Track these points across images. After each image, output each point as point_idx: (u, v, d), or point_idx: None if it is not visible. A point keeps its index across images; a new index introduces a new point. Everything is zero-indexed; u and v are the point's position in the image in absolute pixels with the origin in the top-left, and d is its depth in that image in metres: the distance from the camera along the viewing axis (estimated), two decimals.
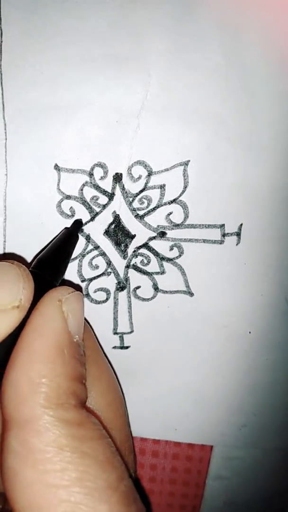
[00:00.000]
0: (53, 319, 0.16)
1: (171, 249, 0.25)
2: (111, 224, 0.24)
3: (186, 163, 0.24)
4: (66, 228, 0.23)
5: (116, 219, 0.24)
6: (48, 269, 0.20)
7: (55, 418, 0.15)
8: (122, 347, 0.25)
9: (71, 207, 0.24)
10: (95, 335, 0.22)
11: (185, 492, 0.26)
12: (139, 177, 0.24)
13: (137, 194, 0.24)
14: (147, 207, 0.24)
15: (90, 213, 0.24)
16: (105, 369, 0.21)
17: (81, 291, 0.18)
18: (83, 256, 0.24)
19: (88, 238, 0.24)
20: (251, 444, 0.25)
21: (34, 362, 0.15)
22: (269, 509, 0.25)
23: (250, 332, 0.25)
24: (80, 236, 0.24)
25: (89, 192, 0.24)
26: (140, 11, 0.21)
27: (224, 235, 0.25)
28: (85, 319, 0.22)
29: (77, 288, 0.24)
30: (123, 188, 0.24)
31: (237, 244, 0.25)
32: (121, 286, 0.25)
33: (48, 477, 0.14)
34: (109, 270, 0.25)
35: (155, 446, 0.26)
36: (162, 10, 0.22)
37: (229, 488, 0.25)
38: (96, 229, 0.24)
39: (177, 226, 0.24)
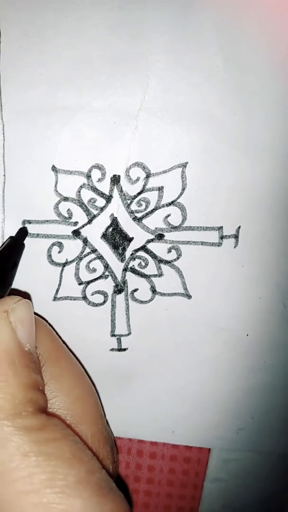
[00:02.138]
0: (1, 330, 0.17)
1: (169, 251, 0.25)
2: (108, 227, 0.24)
3: (184, 165, 0.24)
4: (11, 237, 0.23)
5: (114, 222, 0.24)
6: None
7: (14, 427, 0.15)
8: (120, 349, 0.26)
9: (68, 209, 0.24)
10: (56, 333, 0.22)
11: (183, 494, 0.27)
12: (137, 179, 0.24)
13: (135, 196, 0.24)
14: (145, 209, 0.24)
15: (87, 215, 0.24)
16: (67, 367, 0.21)
17: (30, 299, 0.19)
18: (80, 259, 0.25)
19: (85, 241, 0.24)
20: (248, 447, 0.26)
21: None
22: (267, 511, 0.26)
23: (247, 335, 0.26)
24: (77, 239, 0.24)
25: (87, 194, 0.24)
26: (139, 13, 0.22)
27: (222, 237, 0.25)
28: (46, 320, 0.23)
29: (25, 296, 0.24)
30: (121, 190, 0.24)
31: (235, 247, 0.25)
32: (119, 289, 0.25)
33: (17, 485, 0.15)
34: (106, 273, 0.25)
35: (153, 447, 0.27)
36: (161, 12, 0.22)
37: (227, 491, 0.26)
38: (93, 232, 0.24)
39: (175, 228, 0.25)
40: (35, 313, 0.20)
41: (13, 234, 0.23)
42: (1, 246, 0.23)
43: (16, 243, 0.23)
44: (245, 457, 0.26)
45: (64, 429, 0.17)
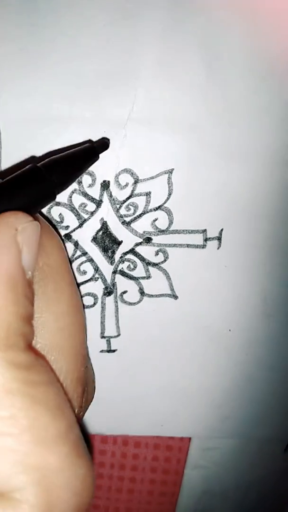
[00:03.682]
0: (7, 250, 0.15)
1: (157, 254, 0.27)
2: (99, 230, 0.26)
3: (170, 172, 0.25)
4: (91, 141, 0.22)
5: (104, 226, 0.26)
6: (56, 173, 0.19)
7: (4, 360, 0.14)
8: (109, 351, 0.27)
9: (60, 214, 0.25)
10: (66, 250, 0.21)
11: (165, 480, 0.29)
12: (126, 185, 0.25)
13: (124, 201, 0.26)
14: (133, 213, 0.26)
15: (78, 220, 0.25)
16: (66, 289, 0.18)
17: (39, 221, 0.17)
18: (71, 262, 0.26)
19: (76, 244, 0.26)
20: (234, 435, 0.28)
21: None
22: (245, 498, 0.28)
23: (230, 330, 0.28)
24: (68, 242, 0.26)
25: (78, 199, 0.25)
26: (130, 29, 0.23)
27: (206, 239, 0.27)
28: (54, 227, 0.22)
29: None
30: (110, 196, 0.25)
31: (218, 248, 0.27)
32: (108, 291, 0.27)
33: None
34: (96, 275, 0.26)
35: (138, 437, 0.29)
36: (150, 28, 0.23)
37: (207, 477, 0.28)
38: (84, 236, 0.26)
39: (162, 232, 0.26)
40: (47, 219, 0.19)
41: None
42: (78, 145, 0.22)
43: (93, 151, 0.21)
44: (224, 445, 0.28)
45: (51, 373, 0.16)
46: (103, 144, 0.23)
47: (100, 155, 0.25)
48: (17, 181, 0.18)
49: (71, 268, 0.20)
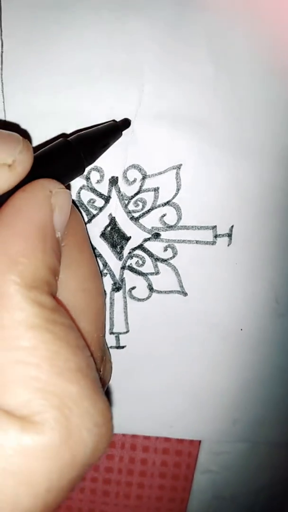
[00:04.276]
0: (41, 205, 0.16)
1: (165, 250, 0.27)
2: (107, 226, 0.26)
3: (178, 167, 0.26)
4: (114, 120, 0.24)
5: (112, 222, 0.26)
6: (84, 148, 0.21)
7: (28, 297, 0.15)
8: (118, 347, 0.27)
9: None
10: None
11: (174, 486, 0.28)
12: (134, 180, 0.26)
13: (132, 196, 0.26)
14: (141, 209, 0.26)
15: (87, 215, 0.26)
16: (87, 256, 0.20)
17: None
18: None
19: None
20: (244, 438, 0.27)
21: (15, 239, 0.15)
22: (255, 502, 0.27)
23: (241, 330, 0.27)
24: None
25: (86, 195, 0.26)
26: (135, 24, 0.24)
27: (216, 236, 0.27)
28: (74, 203, 0.23)
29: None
30: (118, 191, 0.26)
31: (228, 245, 0.27)
32: (117, 286, 0.27)
33: (19, 354, 0.14)
34: (105, 271, 0.27)
35: (146, 441, 0.28)
36: (155, 23, 0.24)
37: (217, 482, 0.27)
38: (92, 232, 0.26)
39: (170, 227, 0.26)
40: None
41: None
42: (103, 124, 0.24)
43: (116, 128, 0.23)
44: (235, 449, 0.27)
45: (71, 320, 0.16)
46: (126, 122, 0.24)
47: (108, 151, 0.25)
48: (50, 154, 0.19)
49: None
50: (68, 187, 0.25)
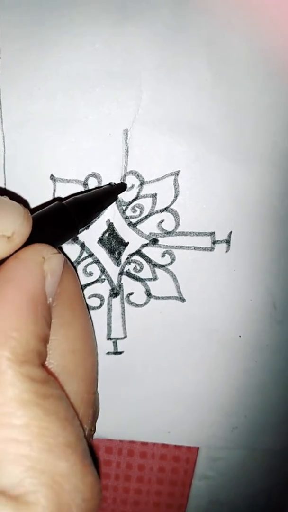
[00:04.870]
0: (33, 273, 0.17)
1: (163, 256, 0.27)
2: (105, 232, 0.26)
3: (176, 173, 0.26)
4: (110, 184, 0.25)
5: (110, 227, 0.26)
6: (79, 211, 0.21)
7: (20, 373, 0.15)
8: (116, 353, 0.27)
9: None
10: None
11: (172, 491, 0.28)
12: (132, 187, 0.26)
13: (130, 202, 0.26)
14: (139, 215, 0.26)
15: None
16: (79, 315, 0.20)
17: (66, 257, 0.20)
18: (78, 263, 0.26)
19: (82, 246, 0.26)
20: (242, 445, 0.27)
21: (7, 312, 0.16)
22: (253, 508, 0.27)
23: (240, 336, 0.28)
24: (75, 243, 0.26)
25: None
26: (132, 29, 0.24)
27: (214, 242, 0.27)
28: (69, 258, 0.24)
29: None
30: (116, 197, 0.26)
31: (226, 251, 0.27)
32: (115, 292, 0.27)
33: (10, 431, 0.15)
34: (103, 277, 0.27)
35: (143, 447, 0.29)
36: (153, 28, 0.24)
37: (214, 487, 0.27)
38: (90, 237, 0.26)
39: (168, 233, 0.27)
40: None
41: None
42: (98, 188, 0.25)
43: (112, 192, 0.24)
44: (232, 455, 0.27)
45: (61, 390, 0.17)
46: (121, 186, 0.25)
47: (106, 158, 0.26)
48: (45, 217, 0.20)
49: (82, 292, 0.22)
50: (60, 249, 0.26)
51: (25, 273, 0.17)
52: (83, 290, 0.27)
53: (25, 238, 0.17)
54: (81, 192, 0.25)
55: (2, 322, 0.15)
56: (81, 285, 0.26)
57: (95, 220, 0.26)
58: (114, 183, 0.25)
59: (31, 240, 0.18)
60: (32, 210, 0.23)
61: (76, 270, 0.26)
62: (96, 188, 0.25)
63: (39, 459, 0.15)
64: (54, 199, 0.25)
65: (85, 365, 0.20)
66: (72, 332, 0.20)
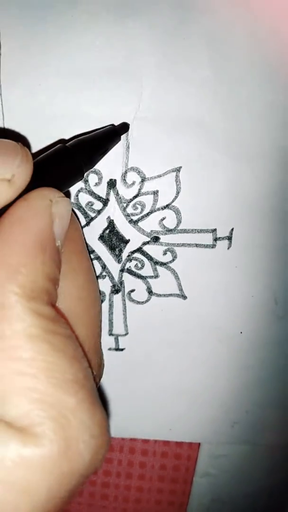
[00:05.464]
0: (41, 215, 0.17)
1: (165, 253, 0.27)
2: (105, 229, 0.26)
3: (178, 170, 0.26)
4: (112, 125, 0.24)
5: (111, 224, 0.26)
6: (83, 153, 0.21)
7: (28, 308, 0.15)
8: (117, 349, 0.27)
9: None
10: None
11: (173, 489, 0.28)
12: (133, 183, 0.26)
13: (131, 199, 0.26)
14: (140, 212, 0.26)
15: (85, 218, 0.26)
16: (85, 265, 0.21)
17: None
18: None
19: None
20: (243, 441, 0.27)
21: (15, 249, 0.16)
22: (255, 506, 0.27)
23: (241, 333, 0.28)
24: None
25: (84, 198, 0.26)
26: (134, 26, 0.24)
27: (216, 239, 0.27)
28: (73, 211, 0.23)
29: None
30: (117, 194, 0.26)
31: (228, 248, 0.27)
32: (116, 289, 0.27)
33: (18, 364, 0.15)
34: (104, 273, 0.27)
35: (144, 445, 0.29)
36: (154, 25, 0.24)
37: (216, 485, 0.27)
38: (91, 234, 0.26)
39: (170, 231, 0.27)
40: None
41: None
42: (101, 129, 0.24)
43: (115, 133, 0.24)
44: (234, 452, 0.27)
45: (70, 330, 0.17)
46: (124, 126, 0.25)
47: (107, 154, 0.26)
48: (49, 160, 0.20)
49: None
50: (67, 192, 0.25)
51: (33, 215, 0.16)
52: None
53: (27, 179, 0.17)
54: (83, 134, 0.24)
55: (10, 258, 0.15)
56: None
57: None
58: (113, 124, 0.25)
59: (36, 185, 0.17)
60: (35, 154, 0.23)
61: None
62: (97, 129, 0.24)
63: (46, 392, 0.15)
64: (57, 142, 0.25)
65: (93, 312, 0.20)
66: (80, 279, 0.20)
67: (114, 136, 0.24)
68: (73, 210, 0.24)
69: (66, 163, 0.20)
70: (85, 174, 0.25)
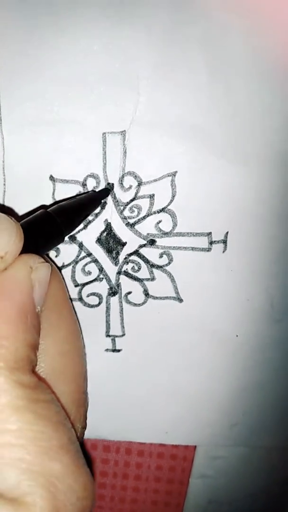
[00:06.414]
0: (22, 284, 0.17)
1: (161, 256, 0.28)
2: (103, 232, 0.27)
3: (174, 174, 0.27)
4: (93, 191, 0.26)
5: (108, 227, 0.27)
6: (63, 218, 0.22)
7: (11, 380, 0.16)
8: (114, 350, 0.28)
9: None
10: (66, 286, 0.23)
11: (169, 490, 0.29)
12: (130, 187, 0.27)
13: (128, 203, 0.27)
14: (137, 215, 0.27)
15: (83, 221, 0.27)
16: (66, 319, 0.21)
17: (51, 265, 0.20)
18: (76, 262, 0.27)
19: (81, 245, 0.27)
20: (241, 442, 0.28)
21: None
22: (252, 507, 0.28)
23: (237, 336, 0.28)
24: (73, 243, 0.27)
25: None
26: (130, 32, 0.25)
27: (211, 242, 0.28)
28: (55, 263, 0.24)
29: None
30: (114, 198, 0.27)
31: (223, 252, 0.28)
32: (113, 291, 0.28)
33: (6, 436, 0.15)
34: (101, 276, 0.27)
35: (141, 446, 0.29)
36: (151, 30, 0.25)
37: (213, 486, 0.28)
38: (88, 237, 0.27)
39: (166, 234, 0.27)
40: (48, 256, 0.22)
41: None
42: (82, 195, 0.25)
43: (96, 198, 0.25)
44: (230, 453, 0.28)
45: (51, 394, 0.18)
46: (105, 192, 0.26)
47: (104, 159, 0.26)
48: (31, 225, 0.21)
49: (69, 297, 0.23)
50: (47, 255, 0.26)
51: (14, 285, 0.17)
52: (82, 289, 0.27)
53: (17, 255, 0.18)
54: (64, 200, 0.26)
55: None
56: (79, 284, 0.27)
57: (90, 223, 0.26)
58: (95, 190, 0.26)
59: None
60: (21, 217, 0.24)
61: (74, 269, 0.27)
62: (79, 194, 0.26)
63: (34, 461, 0.16)
64: (39, 208, 0.26)
65: (74, 366, 0.21)
66: (60, 335, 0.21)
67: (94, 202, 0.25)
68: (55, 264, 0.25)
69: (47, 228, 0.21)
70: (83, 178, 0.26)
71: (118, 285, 0.28)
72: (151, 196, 0.27)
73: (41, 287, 0.18)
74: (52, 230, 0.21)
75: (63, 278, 0.23)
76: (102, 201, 0.27)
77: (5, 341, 0.16)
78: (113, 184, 0.27)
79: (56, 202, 0.26)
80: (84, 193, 0.26)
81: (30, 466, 0.15)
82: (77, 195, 0.26)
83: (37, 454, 0.16)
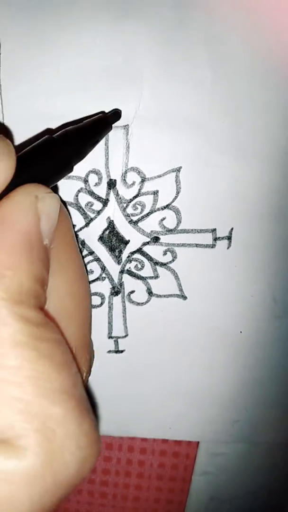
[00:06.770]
0: (26, 213, 0.16)
1: (165, 253, 0.27)
2: (105, 229, 0.26)
3: (178, 170, 0.26)
4: (103, 112, 0.23)
5: (110, 225, 0.26)
6: (71, 145, 0.20)
7: (14, 313, 0.15)
8: (117, 351, 0.28)
9: None
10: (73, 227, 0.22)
11: (172, 487, 0.29)
12: (133, 183, 0.26)
13: (131, 200, 0.26)
14: (140, 212, 0.26)
15: (85, 219, 0.26)
16: (75, 260, 0.20)
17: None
18: None
19: (83, 243, 0.26)
20: (243, 439, 0.28)
21: (0, 252, 0.15)
22: (254, 504, 0.28)
23: (241, 332, 0.28)
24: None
25: (84, 198, 0.26)
26: (133, 26, 0.24)
27: (215, 239, 0.27)
28: (63, 201, 0.23)
29: None
30: (117, 194, 0.26)
31: (228, 248, 0.27)
32: (116, 290, 0.27)
33: (3, 372, 0.14)
34: (103, 275, 0.27)
35: (143, 443, 0.29)
36: (154, 25, 0.24)
37: (215, 483, 0.28)
38: (90, 235, 0.26)
39: (170, 231, 0.27)
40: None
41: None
42: (91, 118, 0.22)
43: (105, 122, 0.22)
44: (233, 450, 0.28)
45: (59, 334, 0.16)
46: (116, 114, 0.24)
47: (107, 154, 0.25)
48: (35, 153, 0.19)
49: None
50: (55, 187, 0.25)
51: (18, 213, 0.16)
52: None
53: (9, 175, 0.16)
54: (72, 123, 0.23)
55: None
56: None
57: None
58: (105, 112, 0.23)
59: (21, 180, 0.17)
60: (21, 146, 0.22)
61: None
62: (86, 117, 0.23)
63: (32, 402, 0.14)
64: (44, 132, 0.24)
65: (83, 308, 0.20)
66: (70, 275, 0.19)
67: (104, 125, 0.22)
68: (63, 202, 0.24)
69: (53, 155, 0.19)
70: (85, 173, 0.25)
71: (121, 284, 0.27)
72: (155, 193, 0.26)
73: (49, 219, 0.16)
74: (59, 159, 0.19)
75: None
76: (105, 198, 0.26)
77: (8, 271, 0.15)
78: (115, 180, 0.26)
79: (62, 126, 0.23)
80: (92, 115, 0.23)
81: (27, 407, 0.14)
82: (84, 118, 0.23)
83: (36, 396, 0.14)
